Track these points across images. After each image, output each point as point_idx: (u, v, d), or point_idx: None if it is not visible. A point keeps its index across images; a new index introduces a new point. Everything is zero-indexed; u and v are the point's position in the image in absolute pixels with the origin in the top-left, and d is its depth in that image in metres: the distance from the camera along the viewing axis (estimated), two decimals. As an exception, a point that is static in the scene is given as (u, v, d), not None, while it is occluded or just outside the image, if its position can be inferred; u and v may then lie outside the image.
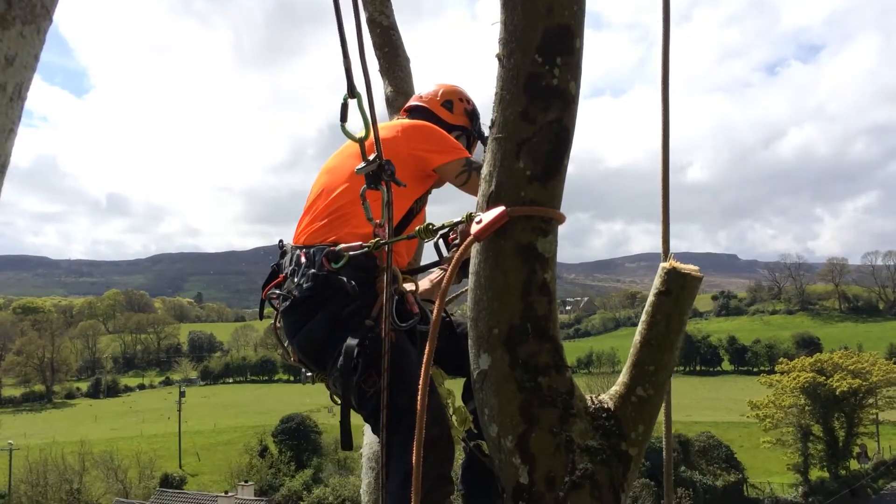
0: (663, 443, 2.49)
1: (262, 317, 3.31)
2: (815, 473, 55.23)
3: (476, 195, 3.16)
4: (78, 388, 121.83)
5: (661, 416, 2.44)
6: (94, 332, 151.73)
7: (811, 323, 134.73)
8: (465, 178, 3.22)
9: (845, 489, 52.84)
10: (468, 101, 3.70)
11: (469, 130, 3.66)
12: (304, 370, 3.15)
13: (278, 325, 3.08)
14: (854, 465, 57.03)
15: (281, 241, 3.21)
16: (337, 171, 3.21)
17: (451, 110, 3.63)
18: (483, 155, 3.53)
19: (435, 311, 2.20)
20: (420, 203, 3.31)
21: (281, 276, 3.05)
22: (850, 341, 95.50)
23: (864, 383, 53.70)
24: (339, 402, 3.01)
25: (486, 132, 2.20)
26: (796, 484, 54.54)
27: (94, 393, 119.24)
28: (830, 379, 53.70)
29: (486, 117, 3.45)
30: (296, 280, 2.91)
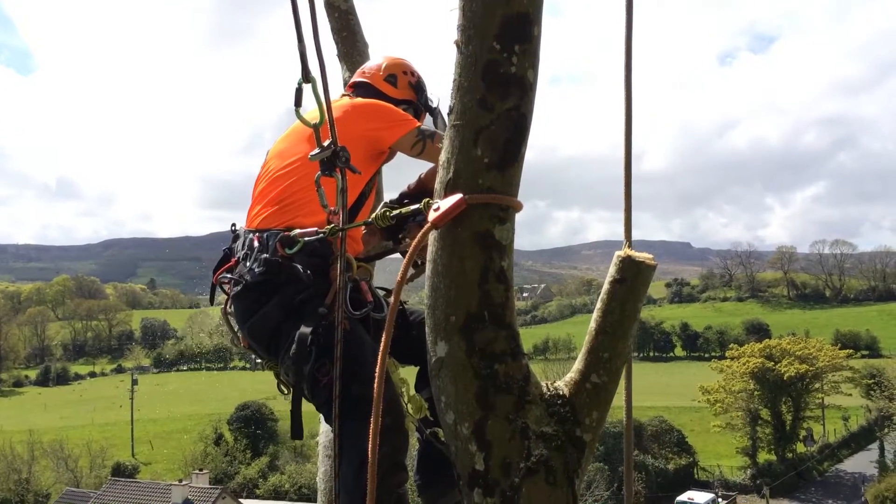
0: (624, 428, 2.52)
1: (212, 302, 3.25)
2: (763, 456, 56.76)
3: (432, 162, 3.18)
4: (26, 376, 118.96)
5: (622, 402, 2.47)
6: (42, 318, 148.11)
7: (761, 310, 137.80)
8: (420, 147, 3.22)
9: (792, 471, 54.44)
10: (413, 73, 3.65)
11: (415, 104, 3.61)
12: (254, 356, 3.12)
13: (229, 309, 3.03)
14: (800, 447, 58.74)
15: (233, 224, 3.15)
16: (287, 155, 3.16)
17: (395, 84, 3.57)
18: (431, 126, 3.54)
19: (392, 300, 2.19)
20: (371, 185, 3.29)
21: (233, 259, 3.00)
22: (798, 328, 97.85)
23: (810, 368, 55.26)
24: (287, 391, 2.99)
25: (446, 118, 2.19)
26: (745, 466, 55.99)
27: (43, 381, 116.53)
28: (779, 364, 55.11)
29: (445, 104, 3.45)
30: (248, 264, 2.86)
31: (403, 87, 3.59)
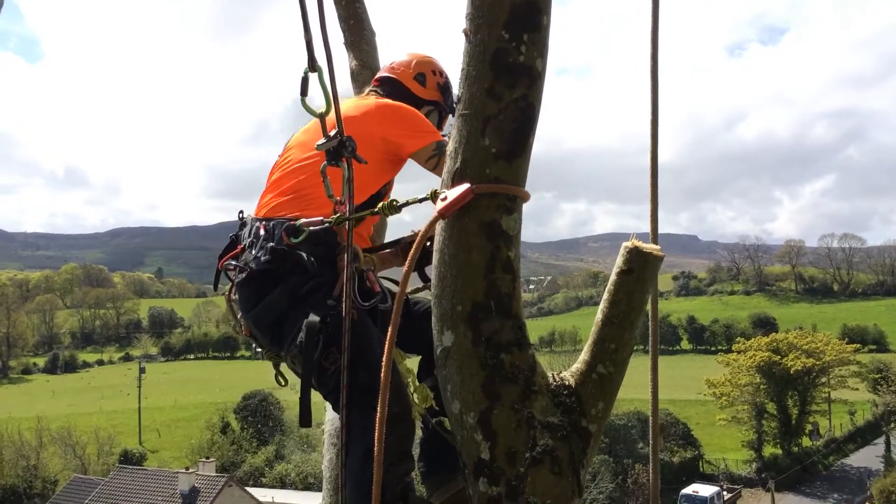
0: (650, 424, 2.52)
1: (216, 288, 3.24)
2: (769, 450, 56.65)
3: None
4: (35, 364, 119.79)
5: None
6: (51, 306, 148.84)
7: (768, 303, 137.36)
8: (435, 162, 3.16)
9: (797, 465, 54.34)
10: (441, 73, 3.59)
11: (441, 105, 3.56)
12: (255, 345, 3.12)
13: (233, 296, 3.03)
14: (806, 442, 58.59)
15: (241, 212, 3.14)
16: (302, 147, 3.16)
17: (424, 84, 3.51)
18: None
19: (399, 290, 2.19)
20: (386, 188, 3.27)
21: (239, 247, 3.00)
22: (805, 321, 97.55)
23: (817, 363, 55.08)
24: (284, 382, 3.01)
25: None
26: (750, 460, 55.93)
27: (51, 368, 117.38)
28: (785, 358, 54.95)
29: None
30: (253, 252, 2.86)
31: (432, 87, 3.53)
